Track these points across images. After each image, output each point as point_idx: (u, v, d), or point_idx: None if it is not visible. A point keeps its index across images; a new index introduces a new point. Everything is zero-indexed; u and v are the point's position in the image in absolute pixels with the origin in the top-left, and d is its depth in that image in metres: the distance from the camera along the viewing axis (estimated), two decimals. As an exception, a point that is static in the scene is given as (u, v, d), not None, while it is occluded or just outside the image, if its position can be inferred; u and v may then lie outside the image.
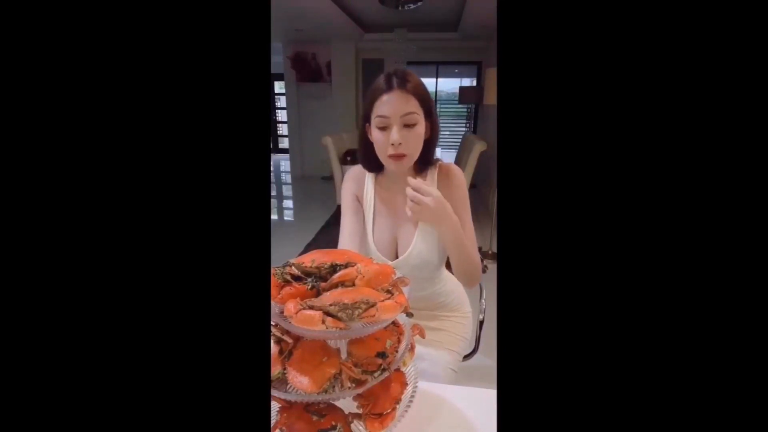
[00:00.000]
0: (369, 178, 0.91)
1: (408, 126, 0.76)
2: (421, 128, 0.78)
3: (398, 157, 0.78)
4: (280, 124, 8.04)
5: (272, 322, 0.51)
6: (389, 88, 0.76)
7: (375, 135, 0.79)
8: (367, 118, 0.81)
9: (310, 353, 0.50)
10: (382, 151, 0.79)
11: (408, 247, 0.85)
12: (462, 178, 0.87)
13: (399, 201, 0.88)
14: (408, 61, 4.91)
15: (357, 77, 5.37)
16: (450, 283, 0.99)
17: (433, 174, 0.87)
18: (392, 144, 0.76)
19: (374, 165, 0.87)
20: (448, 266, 0.94)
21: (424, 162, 0.86)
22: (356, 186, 0.92)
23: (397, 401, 0.52)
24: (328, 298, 0.46)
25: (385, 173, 0.90)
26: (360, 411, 0.52)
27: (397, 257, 0.88)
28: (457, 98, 5.13)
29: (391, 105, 0.76)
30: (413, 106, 0.76)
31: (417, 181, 0.72)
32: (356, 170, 0.93)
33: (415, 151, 0.79)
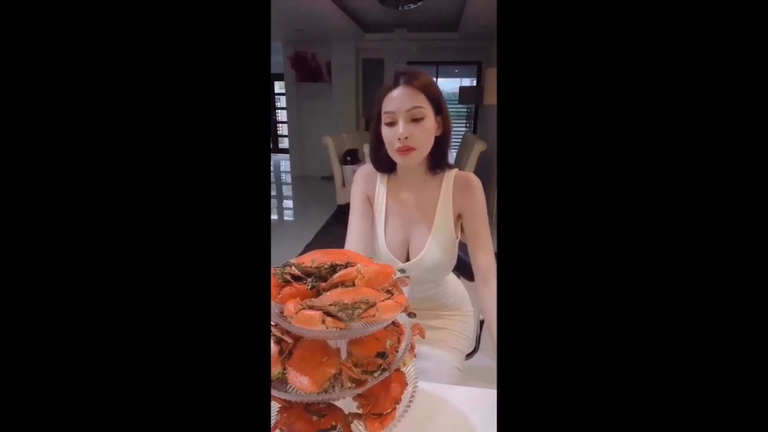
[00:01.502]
0: (381, 178, 0.90)
1: (415, 120, 0.76)
2: (429, 123, 0.77)
3: (406, 150, 0.77)
4: (280, 124, 8.04)
5: (272, 322, 0.51)
6: (396, 84, 0.77)
7: (384, 131, 0.79)
8: (378, 118, 0.81)
9: (310, 353, 0.50)
10: (391, 147, 0.79)
11: (421, 250, 0.84)
12: (480, 190, 0.84)
13: (411, 201, 0.87)
14: (408, 61, 4.91)
15: (357, 77, 5.36)
16: (453, 284, 0.99)
17: (449, 180, 0.85)
18: (399, 138, 0.76)
19: (385, 165, 0.86)
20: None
21: (438, 161, 0.84)
22: (367, 185, 0.90)
23: (397, 401, 0.52)
24: (328, 298, 0.46)
25: (397, 173, 0.88)
26: (360, 411, 0.52)
27: (408, 259, 0.86)
28: (457, 98, 5.13)
29: (396, 100, 0.76)
30: (420, 100, 0.76)
31: None
32: (367, 168, 0.91)
33: (423, 145, 0.78)
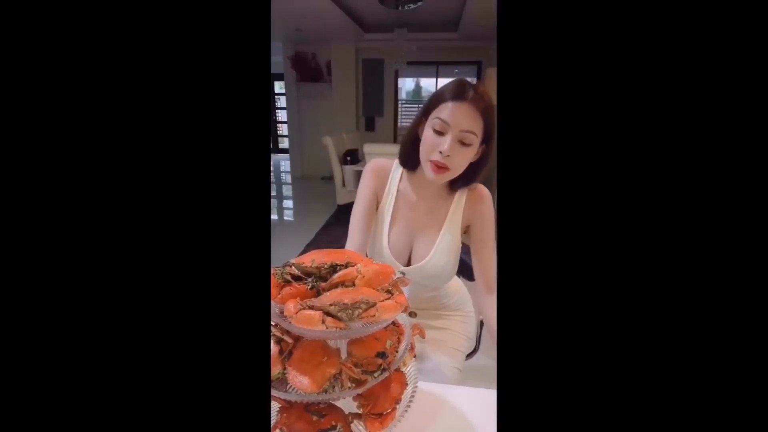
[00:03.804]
0: (397, 174, 0.87)
1: (462, 143, 0.73)
2: (473, 151, 0.75)
3: (440, 167, 0.73)
4: (280, 124, 8.04)
5: (272, 322, 0.51)
6: (462, 97, 0.72)
7: (427, 134, 0.75)
8: (424, 115, 0.77)
9: (310, 353, 0.50)
10: (427, 153, 0.75)
11: (425, 257, 0.82)
12: (490, 203, 0.84)
13: (422, 206, 0.85)
14: (408, 61, 4.91)
15: (357, 77, 5.37)
16: (454, 284, 0.99)
17: (462, 192, 0.84)
18: (440, 152, 0.72)
19: (411, 162, 0.83)
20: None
21: (461, 183, 0.82)
22: (377, 181, 0.86)
23: (397, 401, 0.52)
24: (328, 298, 0.46)
25: (417, 174, 0.84)
26: (360, 411, 0.52)
27: (409, 263, 0.85)
28: (457, 98, 5.11)
29: (455, 114, 0.71)
30: (476, 126, 0.72)
31: None
32: (380, 164, 0.88)
33: (457, 169, 0.75)
